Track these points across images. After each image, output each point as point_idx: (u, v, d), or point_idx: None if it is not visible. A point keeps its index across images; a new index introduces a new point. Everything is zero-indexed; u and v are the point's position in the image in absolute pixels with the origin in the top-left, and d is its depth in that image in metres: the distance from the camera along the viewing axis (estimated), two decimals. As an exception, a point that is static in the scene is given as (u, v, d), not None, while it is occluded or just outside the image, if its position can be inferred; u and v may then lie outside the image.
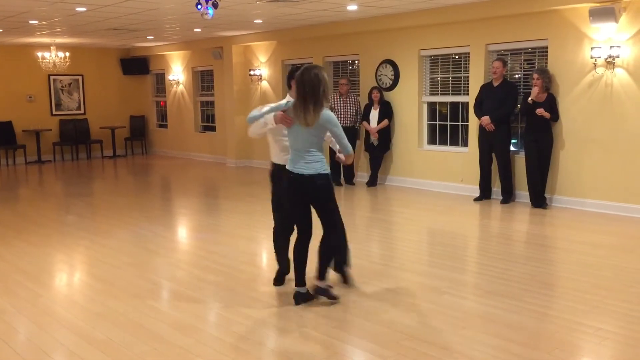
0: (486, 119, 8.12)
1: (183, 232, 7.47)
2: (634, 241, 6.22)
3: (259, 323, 4.16)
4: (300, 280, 4.49)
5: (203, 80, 14.28)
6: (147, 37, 12.51)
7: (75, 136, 14.60)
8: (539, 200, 7.85)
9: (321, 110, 4.28)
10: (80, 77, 14.81)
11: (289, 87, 4.78)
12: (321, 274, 4.51)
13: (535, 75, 7.69)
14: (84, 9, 8.49)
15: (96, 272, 5.46)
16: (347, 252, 4.89)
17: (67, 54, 13.17)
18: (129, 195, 9.92)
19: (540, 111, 7.61)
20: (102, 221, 7.68)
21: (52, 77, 14.35)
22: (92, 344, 3.81)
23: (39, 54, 13.06)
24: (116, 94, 15.43)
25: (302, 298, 4.46)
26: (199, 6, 6.12)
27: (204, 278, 5.20)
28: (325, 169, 4.40)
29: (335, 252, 4.63)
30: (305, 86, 4.26)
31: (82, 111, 14.92)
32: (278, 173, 4.81)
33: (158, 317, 4.28)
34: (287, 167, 4.47)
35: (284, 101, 4.73)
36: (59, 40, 12.59)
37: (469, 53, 8.84)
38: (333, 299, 4.47)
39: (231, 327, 4.08)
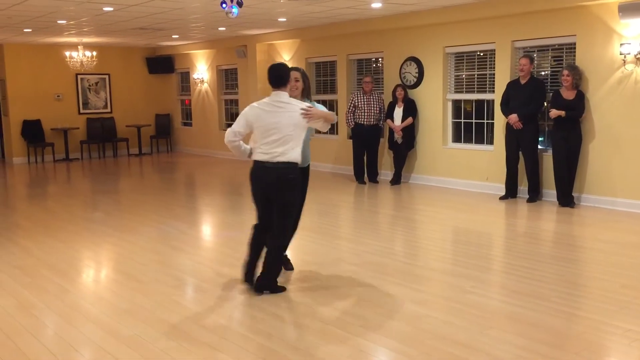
0: (514, 117, 8.02)
1: (208, 229, 7.52)
2: (665, 241, 6.09)
3: (282, 320, 4.17)
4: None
5: (227, 78, 14.36)
6: (173, 36, 12.63)
7: (102, 134, 14.80)
8: (566, 198, 7.74)
9: None
10: (107, 76, 15.01)
11: (282, 85, 4.66)
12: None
13: (566, 72, 7.58)
14: (110, 9, 8.60)
15: (122, 269, 5.53)
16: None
17: (94, 53, 13.35)
18: (154, 192, 10.03)
19: (553, 113, 7.51)
20: (129, 218, 7.77)
21: (79, 76, 14.57)
22: (119, 339, 3.86)
23: (67, 54, 13.27)
24: (142, 92, 15.59)
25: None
26: (224, 5, 6.15)
27: (228, 275, 5.23)
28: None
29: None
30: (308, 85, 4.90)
31: (108, 110, 15.12)
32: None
33: (183, 313, 4.32)
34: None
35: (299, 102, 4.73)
36: (86, 39, 12.77)
37: (494, 50, 8.74)
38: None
39: (256, 325, 4.09)
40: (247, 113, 4.64)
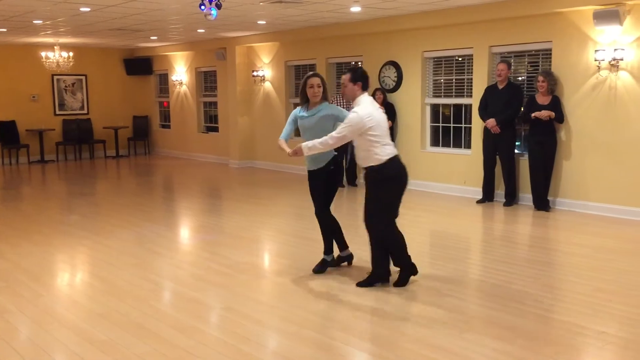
0: (492, 121, 8.10)
1: (185, 232, 7.47)
2: (637, 244, 6.20)
3: (260, 324, 4.16)
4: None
5: (206, 80, 14.29)
6: (151, 38, 12.53)
7: (78, 136, 14.63)
8: (542, 202, 7.83)
9: None
10: (83, 77, 14.84)
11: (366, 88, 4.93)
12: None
13: (541, 78, 7.68)
14: (88, 9, 8.50)
15: (98, 272, 5.46)
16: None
17: (71, 53, 13.20)
18: (131, 195, 9.93)
19: (539, 114, 7.58)
20: (105, 221, 7.68)
21: (55, 77, 14.39)
22: (93, 344, 3.81)
23: (43, 54, 13.09)
24: (119, 94, 15.45)
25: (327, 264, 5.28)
26: (203, 7, 6.12)
27: (206, 279, 5.20)
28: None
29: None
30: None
31: (85, 111, 14.95)
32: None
33: (159, 317, 4.28)
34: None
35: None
36: (62, 40, 12.61)
37: (472, 55, 8.83)
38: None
39: (233, 329, 4.07)
40: (372, 114, 4.70)
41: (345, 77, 4.86)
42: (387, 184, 4.74)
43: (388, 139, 4.82)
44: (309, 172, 5.22)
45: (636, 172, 7.25)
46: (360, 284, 4.86)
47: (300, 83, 5.14)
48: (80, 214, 8.21)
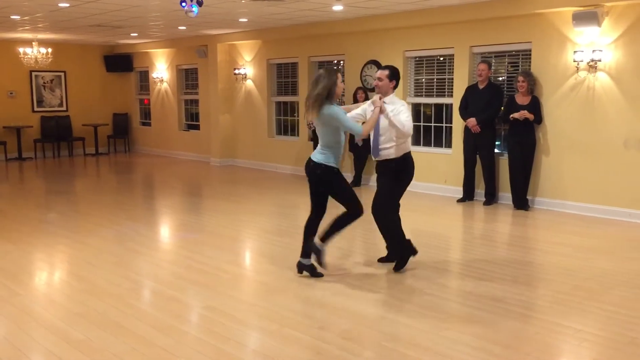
0: (472, 121, 8.16)
1: (166, 231, 7.41)
2: (614, 243, 6.29)
3: (241, 323, 4.14)
4: (304, 253, 5.05)
5: (187, 78, 14.20)
6: (131, 34, 12.42)
7: (57, 133, 14.44)
8: (521, 202, 7.91)
9: (321, 108, 4.77)
10: (62, 74, 14.66)
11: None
12: (325, 237, 5.01)
13: (521, 78, 7.75)
14: (66, 5, 8.40)
15: (76, 271, 5.40)
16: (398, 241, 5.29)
17: (50, 50, 13.03)
18: (111, 193, 9.83)
19: (518, 114, 7.65)
20: (84, 219, 7.60)
21: (33, 73, 14.19)
22: (71, 344, 3.76)
23: (21, 50, 12.90)
24: (99, 91, 15.29)
25: (303, 268, 5.05)
26: (184, 4, 6.09)
27: (186, 277, 5.16)
28: (326, 161, 4.89)
29: (341, 226, 5.06)
30: (311, 85, 4.95)
31: (64, 108, 14.78)
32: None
33: (138, 316, 4.24)
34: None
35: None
36: (41, 36, 12.45)
37: (453, 55, 8.88)
38: (320, 264, 4.99)
39: (213, 328, 4.05)
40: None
41: (384, 73, 5.13)
42: (408, 175, 5.25)
43: None
44: (339, 170, 5.09)
45: (613, 172, 7.36)
46: (397, 268, 5.23)
47: (325, 79, 4.90)
48: (58, 212, 8.11)
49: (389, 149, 5.12)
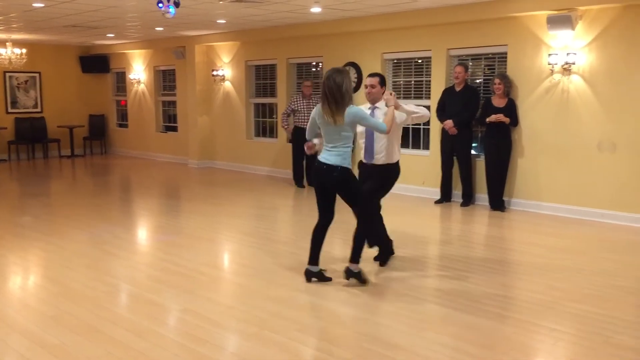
0: (449, 122, 8.23)
1: (143, 233, 7.35)
2: (588, 243, 6.38)
3: (218, 326, 4.12)
4: (312, 259, 4.97)
5: (165, 79, 14.10)
6: (108, 35, 12.29)
7: (31, 135, 14.23)
8: (497, 203, 8.00)
9: (344, 110, 4.69)
10: (37, 75, 14.46)
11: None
12: (353, 258, 4.90)
13: (497, 80, 7.84)
14: (41, 5, 8.29)
15: (51, 275, 5.32)
16: (373, 234, 5.40)
17: (24, 50, 12.82)
18: (87, 195, 9.72)
19: (494, 117, 7.74)
20: (59, 222, 7.50)
21: (7, 74, 13.97)
22: (45, 348, 3.71)
23: (-6, 50, 12.70)
24: (75, 92, 15.11)
25: (312, 275, 4.96)
26: (160, 5, 6.05)
27: (163, 280, 5.12)
28: (342, 162, 4.76)
29: (363, 238, 5.02)
30: (326, 91, 4.70)
31: (39, 109, 14.57)
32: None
33: (114, 320, 4.20)
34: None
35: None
36: (15, 36, 12.26)
37: (430, 57, 8.94)
38: (363, 282, 4.89)
39: (190, 331, 4.02)
40: None
41: (375, 80, 5.28)
42: (392, 182, 5.43)
43: None
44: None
45: (587, 174, 7.47)
46: (382, 264, 5.45)
47: (346, 79, 4.75)
48: (33, 215, 7.98)
49: (383, 155, 5.24)
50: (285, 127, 10.13)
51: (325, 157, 4.78)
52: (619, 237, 6.67)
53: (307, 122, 9.81)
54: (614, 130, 7.24)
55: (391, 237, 5.68)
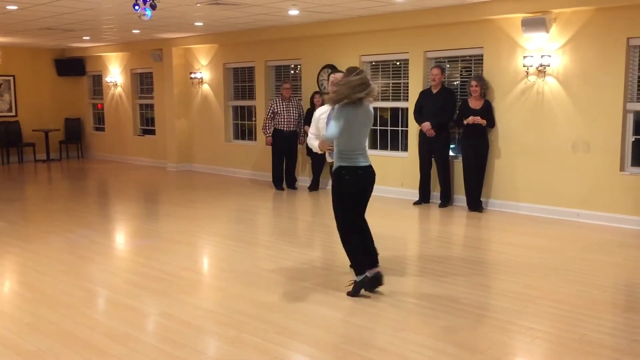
0: (427, 124, 8.29)
1: (120, 238, 7.28)
2: (563, 243, 6.47)
3: (197, 330, 4.10)
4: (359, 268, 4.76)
5: (142, 82, 13.99)
6: (83, 38, 12.16)
7: (6, 139, 14.01)
8: (475, 203, 8.07)
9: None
10: (11, 78, 14.25)
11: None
12: (373, 263, 4.81)
13: (474, 82, 7.92)
14: (15, 7, 8.17)
15: (26, 280, 5.24)
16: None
17: (-2, 53, 12.65)
18: (63, 200, 9.59)
19: (471, 120, 7.82)
20: (34, 227, 7.39)
21: (-19, 78, 13.75)
22: (21, 355, 3.66)
23: (-33, 53, 12.50)
24: (50, 95, 14.91)
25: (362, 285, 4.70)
26: (137, 7, 6.01)
27: (141, 284, 5.08)
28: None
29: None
30: (369, 90, 4.60)
31: (13, 113, 14.35)
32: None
33: (91, 325, 4.15)
34: (348, 164, 4.65)
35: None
36: (-12, 38, 12.08)
37: (408, 59, 9.00)
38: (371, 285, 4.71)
39: (169, 335, 3.99)
40: None
41: (340, 75, 4.89)
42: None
43: None
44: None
45: (562, 174, 7.58)
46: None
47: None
48: (7, 221, 7.86)
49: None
50: (267, 135, 10.04)
51: (364, 161, 4.69)
52: (594, 236, 6.78)
53: (286, 124, 9.90)
54: (588, 130, 7.35)
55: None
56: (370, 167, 4.78)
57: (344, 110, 4.57)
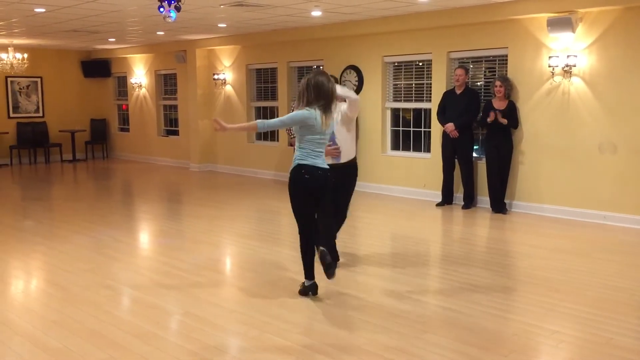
0: (450, 125, 8.23)
1: (144, 237, 7.35)
2: (589, 245, 6.38)
3: (220, 329, 4.12)
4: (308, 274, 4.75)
5: (166, 83, 14.13)
6: (109, 40, 12.33)
7: (33, 139, 14.26)
8: (498, 205, 7.99)
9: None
10: (39, 79, 14.50)
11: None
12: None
13: (498, 83, 7.84)
14: (42, 10, 8.32)
15: (53, 279, 5.33)
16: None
17: (26, 55, 12.87)
18: (88, 200, 9.73)
19: (492, 116, 7.73)
20: (60, 227, 7.51)
21: (9, 79, 14.01)
22: (47, 352, 3.71)
23: (-4, 55, 12.75)
24: (76, 96, 15.14)
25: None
26: (162, 9, 6.07)
27: (164, 284, 5.13)
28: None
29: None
30: (329, 93, 4.62)
31: (40, 114, 14.60)
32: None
33: (116, 324, 4.20)
34: (308, 163, 4.54)
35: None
36: (17, 41, 12.30)
37: (431, 60, 8.95)
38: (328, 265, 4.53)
39: (192, 334, 4.02)
40: None
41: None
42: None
43: None
44: None
45: (588, 175, 7.47)
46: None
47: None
48: (34, 220, 8.00)
49: (349, 150, 5.28)
50: (292, 137, 10.03)
51: (319, 162, 4.53)
52: (620, 238, 6.66)
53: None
54: (615, 131, 7.24)
55: (393, 241, 5.65)
56: (318, 169, 4.56)
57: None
